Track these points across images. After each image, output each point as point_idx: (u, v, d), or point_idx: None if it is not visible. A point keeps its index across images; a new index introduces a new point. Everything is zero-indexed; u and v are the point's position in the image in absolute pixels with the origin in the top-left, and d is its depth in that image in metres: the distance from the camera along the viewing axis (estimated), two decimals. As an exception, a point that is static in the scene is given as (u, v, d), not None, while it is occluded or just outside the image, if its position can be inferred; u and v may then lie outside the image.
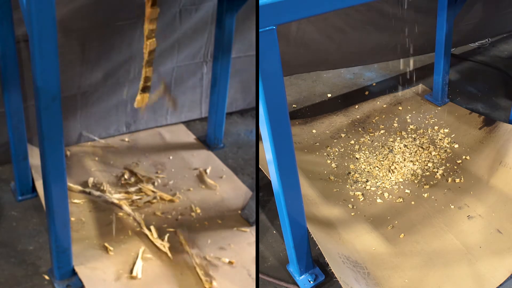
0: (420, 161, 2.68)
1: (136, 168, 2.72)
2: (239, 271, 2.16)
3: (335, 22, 3.08)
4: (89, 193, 2.49)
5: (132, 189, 2.55)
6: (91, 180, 2.59)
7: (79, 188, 2.51)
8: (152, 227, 2.31)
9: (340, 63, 3.43)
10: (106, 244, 2.21)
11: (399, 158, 2.70)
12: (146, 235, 2.28)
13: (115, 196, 2.48)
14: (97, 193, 2.48)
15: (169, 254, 2.16)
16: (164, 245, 2.21)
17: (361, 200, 2.45)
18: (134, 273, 2.08)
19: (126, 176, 2.63)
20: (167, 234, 2.28)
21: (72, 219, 2.32)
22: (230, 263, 2.18)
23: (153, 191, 2.54)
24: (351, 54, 3.32)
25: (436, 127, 2.95)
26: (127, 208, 2.40)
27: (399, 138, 2.87)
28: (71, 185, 2.51)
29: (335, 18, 3.06)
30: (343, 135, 2.91)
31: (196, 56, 3.05)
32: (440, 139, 2.84)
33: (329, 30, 3.09)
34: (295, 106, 3.26)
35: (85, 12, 2.47)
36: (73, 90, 2.69)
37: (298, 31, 2.95)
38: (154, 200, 2.49)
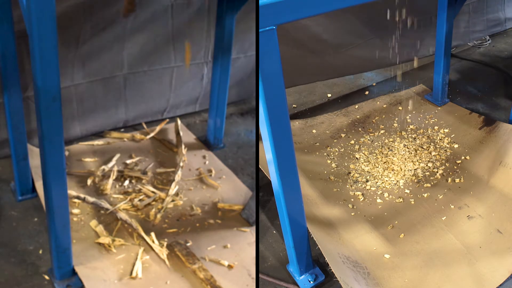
0: (420, 161, 2.68)
1: (136, 168, 2.72)
2: (239, 271, 2.16)
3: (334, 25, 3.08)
4: (84, 199, 2.40)
5: (132, 189, 2.55)
6: (90, 180, 2.59)
7: (73, 193, 2.43)
8: (152, 234, 2.28)
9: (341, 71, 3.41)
10: (107, 243, 2.21)
11: (399, 158, 2.70)
12: (146, 234, 2.28)
13: (112, 201, 2.48)
14: (92, 199, 2.41)
15: (167, 263, 2.15)
16: (162, 252, 2.19)
17: (361, 200, 2.45)
18: (134, 274, 2.08)
19: (125, 176, 2.63)
20: (166, 242, 2.24)
21: (73, 219, 2.33)
22: (230, 266, 2.18)
23: (153, 192, 2.54)
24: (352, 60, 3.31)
25: (436, 127, 2.94)
26: (123, 215, 2.35)
27: (399, 138, 2.87)
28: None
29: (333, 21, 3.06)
30: (343, 135, 2.91)
31: (196, 56, 3.06)
32: (440, 139, 2.84)
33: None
34: (295, 106, 3.25)
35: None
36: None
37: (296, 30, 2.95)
38: (154, 202, 2.50)
